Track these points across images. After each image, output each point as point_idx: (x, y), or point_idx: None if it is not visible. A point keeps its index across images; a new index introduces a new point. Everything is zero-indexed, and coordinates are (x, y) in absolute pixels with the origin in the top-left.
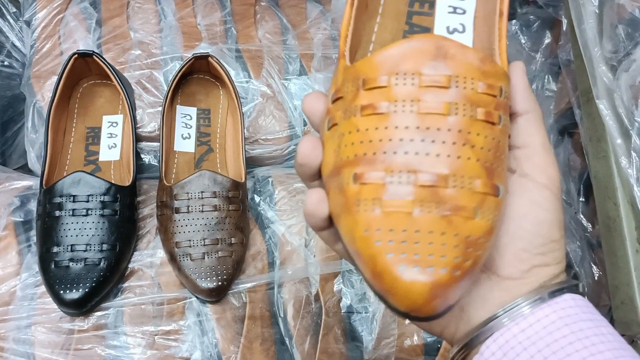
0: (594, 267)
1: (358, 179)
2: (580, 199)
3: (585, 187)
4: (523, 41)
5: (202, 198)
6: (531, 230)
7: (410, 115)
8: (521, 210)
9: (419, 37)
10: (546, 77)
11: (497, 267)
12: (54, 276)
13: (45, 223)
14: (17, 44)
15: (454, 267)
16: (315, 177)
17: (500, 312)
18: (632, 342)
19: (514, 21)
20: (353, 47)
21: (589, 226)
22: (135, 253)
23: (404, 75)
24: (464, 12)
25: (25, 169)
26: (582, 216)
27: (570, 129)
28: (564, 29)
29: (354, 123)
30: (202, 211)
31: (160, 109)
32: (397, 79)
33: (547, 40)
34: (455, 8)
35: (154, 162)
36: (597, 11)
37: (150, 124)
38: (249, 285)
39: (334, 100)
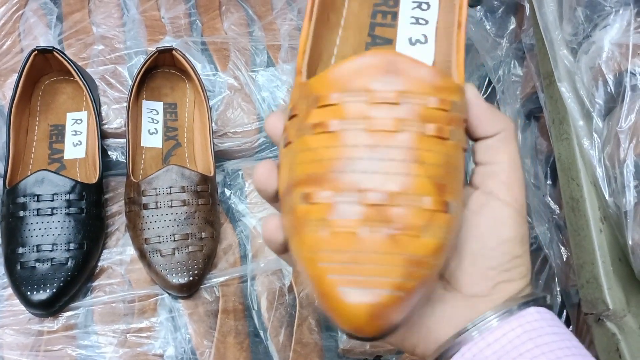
0: (562, 248)
1: (307, 198)
2: (548, 182)
3: (552, 170)
4: (488, 27)
5: (171, 193)
6: (495, 249)
7: (360, 133)
8: (484, 229)
9: (370, 53)
10: (512, 62)
11: (462, 286)
12: (20, 277)
13: (9, 224)
14: None
15: (395, 288)
16: (276, 199)
17: (470, 326)
18: (598, 320)
19: (478, 7)
20: (313, 62)
21: (557, 208)
22: (104, 251)
23: (355, 92)
24: (427, 23)
25: None
26: (549, 199)
27: (536, 112)
28: (527, 13)
29: (306, 141)
30: (171, 206)
31: (125, 104)
32: (348, 96)
33: (511, 26)
34: (417, 19)
35: (122, 158)
36: None
37: (116, 120)
38: (221, 279)
39: (290, 118)
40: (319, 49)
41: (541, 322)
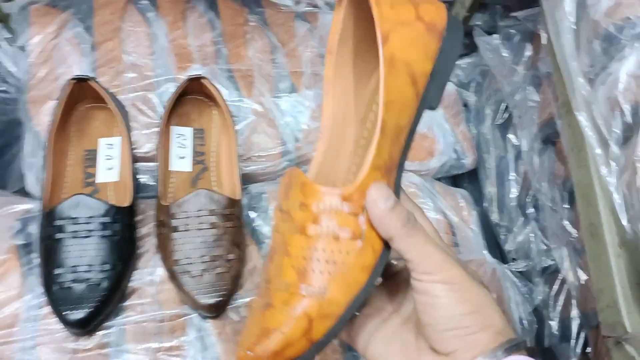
0: (580, 271)
1: None
2: (565, 206)
3: (569, 194)
4: (505, 54)
5: (200, 216)
6: (440, 316)
7: (273, 235)
8: (425, 306)
9: (286, 172)
10: (528, 88)
11: (437, 349)
12: (58, 297)
13: (47, 245)
14: (12, 69)
15: (247, 348)
16: None
17: None
18: (617, 343)
19: (495, 35)
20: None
21: (574, 232)
22: (135, 272)
23: (277, 203)
24: None
25: (22, 192)
26: (567, 222)
27: (554, 137)
28: (544, 42)
29: None
30: (200, 229)
31: (155, 129)
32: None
33: (527, 53)
34: None
35: (151, 182)
36: (573, 27)
37: (145, 144)
38: (247, 299)
39: None
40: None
41: None
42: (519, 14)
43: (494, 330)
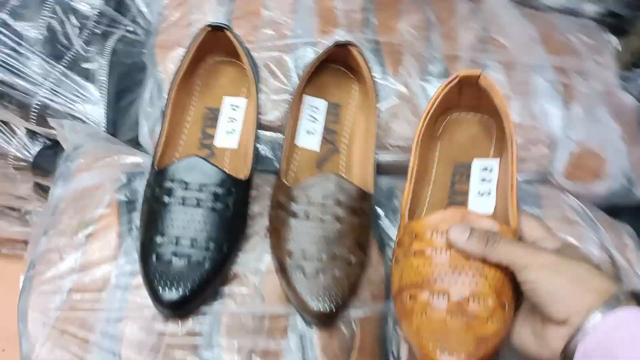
0: None
1: (412, 297)
2: None
3: None
4: None
5: (324, 205)
6: (544, 295)
7: (445, 256)
8: (531, 292)
9: (450, 209)
10: None
11: (554, 320)
12: (154, 270)
13: (152, 207)
14: (143, 9)
15: (469, 354)
16: None
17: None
18: None
19: None
20: (412, 208)
21: None
22: (239, 254)
23: (441, 232)
24: (490, 181)
25: (133, 142)
26: None
27: None
28: None
29: (410, 261)
30: (323, 220)
31: (284, 96)
32: (436, 234)
33: None
34: (483, 179)
35: (269, 154)
36: None
37: (272, 112)
38: (361, 312)
39: (397, 245)
40: (417, 197)
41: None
42: None
43: (598, 291)
